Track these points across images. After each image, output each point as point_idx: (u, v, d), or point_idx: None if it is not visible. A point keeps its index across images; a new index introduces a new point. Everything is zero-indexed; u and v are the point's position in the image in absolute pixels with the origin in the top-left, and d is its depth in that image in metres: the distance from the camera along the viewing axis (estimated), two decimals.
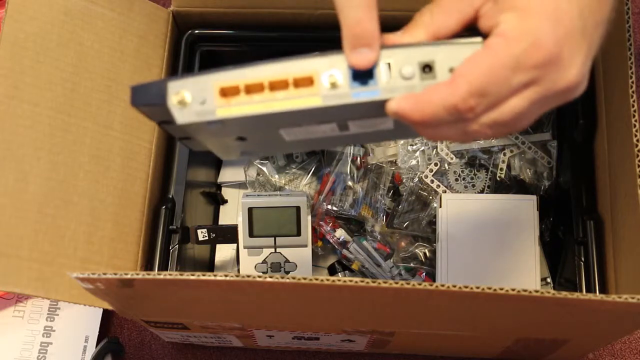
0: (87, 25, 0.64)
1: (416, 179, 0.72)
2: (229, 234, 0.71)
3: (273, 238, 0.70)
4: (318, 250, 0.76)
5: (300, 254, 0.71)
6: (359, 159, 0.74)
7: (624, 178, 0.58)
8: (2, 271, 0.55)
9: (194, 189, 0.75)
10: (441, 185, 0.71)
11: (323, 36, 0.70)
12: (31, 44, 0.60)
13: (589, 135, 0.67)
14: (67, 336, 0.76)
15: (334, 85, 0.39)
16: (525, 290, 0.46)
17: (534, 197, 0.68)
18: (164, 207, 0.68)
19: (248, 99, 0.39)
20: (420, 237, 0.74)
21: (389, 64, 0.39)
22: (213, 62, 0.75)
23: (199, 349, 0.77)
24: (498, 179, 0.71)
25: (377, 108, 0.39)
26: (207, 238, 0.71)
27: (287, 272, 0.71)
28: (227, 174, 0.82)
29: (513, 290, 0.46)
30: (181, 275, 0.48)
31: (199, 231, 0.70)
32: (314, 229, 0.74)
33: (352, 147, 0.75)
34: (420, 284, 0.47)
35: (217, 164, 0.83)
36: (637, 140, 0.54)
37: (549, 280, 0.71)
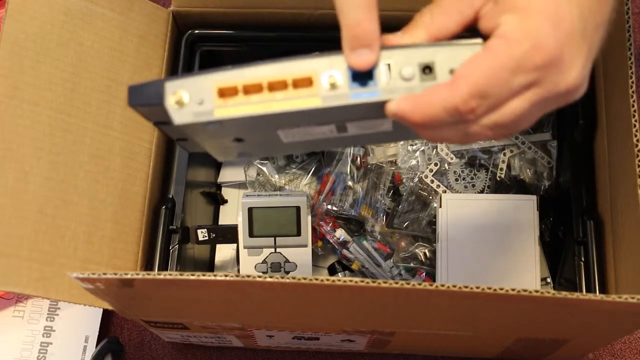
0: (87, 25, 0.64)
1: (416, 179, 0.72)
2: (229, 234, 0.71)
3: (273, 238, 0.70)
4: (318, 250, 0.76)
5: (300, 254, 0.71)
6: (359, 159, 0.74)
7: (624, 178, 0.58)
8: (2, 271, 0.55)
9: (194, 189, 0.75)
10: (441, 185, 0.71)
11: (323, 36, 0.70)
12: (31, 44, 0.60)
13: (589, 135, 0.67)
14: (67, 336, 0.76)
15: (333, 86, 0.39)
16: (525, 290, 0.46)
17: (534, 197, 0.68)
18: (164, 207, 0.68)
19: (246, 100, 0.39)
20: (420, 237, 0.74)
21: (388, 65, 0.39)
22: (213, 62, 0.75)
23: (199, 349, 0.77)
24: (498, 179, 0.71)
25: (377, 109, 0.39)
26: (207, 238, 0.71)
27: (287, 272, 0.71)
28: (227, 174, 0.82)
29: (513, 290, 0.46)
30: (181, 275, 0.48)
31: (199, 231, 0.70)
32: (314, 229, 0.74)
33: (352, 147, 0.75)
34: (420, 284, 0.47)
35: (217, 164, 0.83)
36: (637, 140, 0.54)
37: (549, 280, 0.71)
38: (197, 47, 0.74)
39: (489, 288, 0.46)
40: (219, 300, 0.55)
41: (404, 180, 0.73)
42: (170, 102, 0.39)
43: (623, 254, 0.60)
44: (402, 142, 0.73)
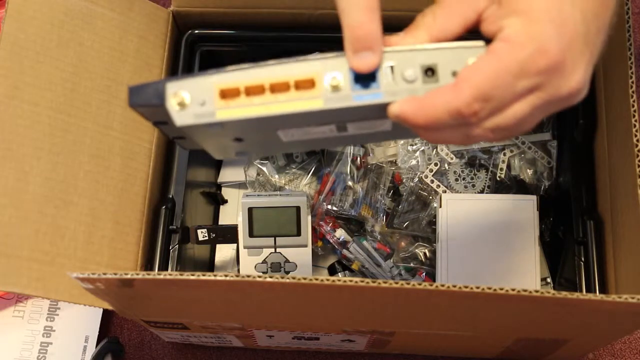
0: (87, 25, 0.64)
1: (416, 179, 0.72)
2: (229, 234, 0.71)
3: (273, 238, 0.70)
4: (318, 250, 0.76)
5: (300, 254, 0.71)
6: (359, 159, 0.74)
7: (624, 178, 0.58)
8: (2, 271, 0.55)
9: (194, 189, 0.75)
10: (441, 185, 0.71)
11: (323, 36, 0.70)
12: (31, 44, 0.60)
13: (589, 135, 0.67)
14: (67, 336, 0.76)
15: (335, 88, 0.38)
16: (525, 290, 0.46)
17: (534, 197, 0.68)
18: (164, 207, 0.68)
19: (248, 101, 0.39)
20: (420, 237, 0.74)
21: (391, 66, 0.39)
22: (213, 62, 0.75)
23: (199, 349, 0.77)
24: (498, 179, 0.71)
25: (378, 110, 0.39)
26: (207, 238, 0.71)
27: (287, 272, 0.71)
28: (227, 174, 0.82)
29: (513, 290, 0.46)
30: (181, 275, 0.48)
31: (199, 231, 0.70)
32: (314, 229, 0.74)
33: (352, 147, 0.75)
34: (420, 284, 0.47)
35: (217, 164, 0.83)
36: (637, 140, 0.54)
37: (549, 280, 0.71)
38: (197, 47, 0.74)
39: (489, 288, 0.46)
40: (219, 300, 0.55)
41: (404, 180, 0.73)
42: (171, 103, 0.39)
43: (623, 254, 0.60)
44: (402, 142, 0.73)
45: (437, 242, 0.69)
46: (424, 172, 0.71)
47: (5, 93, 0.58)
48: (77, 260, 0.60)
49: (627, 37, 0.57)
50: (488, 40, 0.39)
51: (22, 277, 0.56)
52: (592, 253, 0.63)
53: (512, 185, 0.72)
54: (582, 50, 0.38)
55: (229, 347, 0.76)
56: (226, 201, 0.82)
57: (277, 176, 0.77)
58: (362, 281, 0.46)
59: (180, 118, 0.39)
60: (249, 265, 0.71)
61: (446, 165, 0.72)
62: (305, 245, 0.71)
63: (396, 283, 0.47)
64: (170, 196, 0.69)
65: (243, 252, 0.71)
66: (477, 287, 0.46)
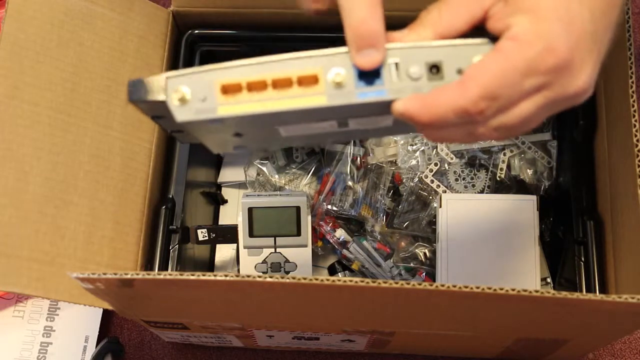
0: (87, 25, 0.64)
1: (416, 179, 0.72)
2: (229, 234, 0.71)
3: (273, 238, 0.70)
4: (318, 250, 0.76)
5: (300, 254, 0.71)
6: (359, 159, 0.74)
7: (624, 178, 0.58)
8: (2, 271, 0.55)
9: (194, 189, 0.75)
10: (441, 185, 0.71)
11: (323, 36, 0.70)
12: (31, 44, 0.60)
13: (589, 135, 0.67)
14: (67, 336, 0.76)
15: (339, 85, 0.38)
16: (525, 290, 0.46)
17: (534, 197, 0.68)
18: (164, 207, 0.68)
19: (250, 97, 0.38)
20: (420, 237, 0.74)
21: (396, 63, 0.38)
22: (213, 62, 0.75)
23: (199, 349, 0.77)
24: (498, 179, 0.71)
25: (382, 107, 0.39)
26: (207, 238, 0.71)
27: (287, 272, 0.71)
28: (227, 174, 0.82)
29: (513, 290, 0.46)
30: (181, 275, 0.48)
31: (199, 231, 0.70)
32: (314, 229, 0.74)
33: (352, 147, 0.75)
34: (420, 284, 0.47)
35: (217, 164, 0.83)
36: (637, 140, 0.54)
37: (549, 280, 0.71)
38: (197, 47, 0.74)
39: (489, 288, 0.46)
40: (219, 300, 0.55)
41: (404, 180, 0.73)
42: (172, 98, 0.38)
43: (623, 254, 0.60)
44: (402, 142, 0.73)
45: (437, 242, 0.69)
46: (424, 172, 0.71)
47: (5, 93, 0.58)
48: (77, 260, 0.60)
49: (627, 37, 0.57)
50: (494, 38, 0.38)
51: (22, 277, 0.56)
52: (592, 253, 0.63)
53: (512, 185, 0.72)
54: (590, 48, 0.38)
55: (229, 347, 0.76)
56: (226, 201, 0.82)
57: (277, 176, 0.77)
58: (362, 281, 0.46)
59: (181, 114, 0.39)
60: (249, 265, 0.71)
61: (446, 165, 0.72)
62: (305, 245, 0.71)
63: (396, 283, 0.47)
64: (170, 196, 0.69)
65: (243, 252, 0.71)
66: (477, 287, 0.46)
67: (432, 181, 0.71)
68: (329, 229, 0.74)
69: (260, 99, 0.38)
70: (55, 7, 0.62)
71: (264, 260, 0.71)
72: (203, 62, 0.74)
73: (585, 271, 0.63)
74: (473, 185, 0.71)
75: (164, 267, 0.67)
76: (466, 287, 0.46)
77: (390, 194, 0.75)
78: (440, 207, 0.69)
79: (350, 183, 0.74)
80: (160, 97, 0.38)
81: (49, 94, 0.61)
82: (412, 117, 0.38)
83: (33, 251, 0.57)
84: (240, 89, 0.38)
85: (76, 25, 0.63)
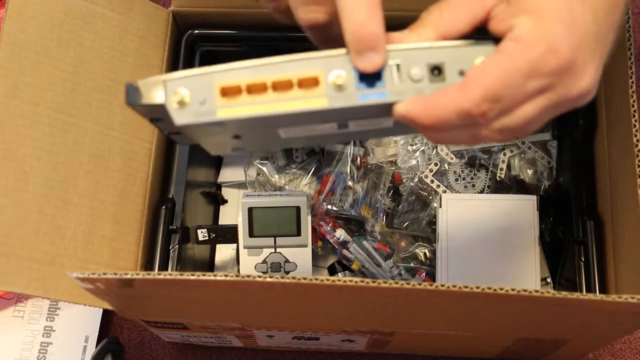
0: (87, 25, 0.64)
1: (416, 179, 0.72)
2: (229, 234, 0.71)
3: (273, 238, 0.70)
4: (318, 250, 0.76)
5: (300, 254, 0.71)
6: (359, 159, 0.74)
7: (624, 178, 0.58)
8: (2, 271, 0.55)
9: (194, 189, 0.75)
10: (441, 185, 0.71)
11: None
12: (31, 44, 0.60)
13: (589, 135, 0.67)
14: (67, 336, 0.76)
15: (339, 87, 0.38)
16: (525, 290, 0.46)
17: (534, 197, 0.68)
18: (164, 207, 0.68)
19: (250, 100, 0.38)
20: (420, 237, 0.74)
21: (397, 65, 0.38)
22: (213, 62, 0.75)
23: (199, 349, 0.77)
24: (498, 179, 0.71)
25: (383, 109, 0.39)
26: (207, 238, 0.71)
27: (287, 272, 0.71)
28: (227, 174, 0.82)
29: (513, 290, 0.46)
30: (181, 275, 0.48)
31: (199, 231, 0.70)
32: (314, 229, 0.74)
33: (352, 147, 0.75)
34: (420, 284, 0.47)
35: (217, 164, 0.83)
36: (637, 140, 0.54)
37: (549, 280, 0.71)
38: (197, 47, 0.74)
39: (489, 288, 0.46)
40: (219, 300, 0.55)
41: (404, 180, 0.73)
42: (170, 101, 0.38)
43: (623, 254, 0.60)
44: (402, 142, 0.73)
45: (437, 242, 0.69)
46: (424, 172, 0.71)
47: (5, 93, 0.58)
48: (77, 260, 0.60)
49: (627, 37, 0.57)
50: (496, 39, 0.38)
51: (22, 277, 0.56)
52: (592, 253, 0.63)
53: (512, 185, 0.72)
54: (593, 49, 0.37)
55: (229, 347, 0.76)
56: (226, 201, 0.82)
57: (277, 176, 0.77)
58: (362, 281, 0.46)
59: (180, 117, 0.38)
60: (249, 265, 0.71)
61: (446, 165, 0.72)
62: (305, 245, 0.71)
63: (396, 283, 0.47)
64: (170, 196, 0.69)
65: (243, 252, 0.71)
66: (477, 287, 0.46)
67: (432, 181, 0.71)
68: (329, 229, 0.74)
69: (260, 101, 0.38)
70: (55, 7, 0.62)
71: (264, 260, 0.71)
72: (203, 62, 0.74)
73: (585, 271, 0.63)
74: (473, 185, 0.71)
75: (164, 267, 0.67)
76: (466, 287, 0.46)
77: (390, 194, 0.75)
78: (440, 207, 0.69)
79: (350, 183, 0.74)
80: (159, 100, 0.38)
81: (49, 94, 0.61)
82: (413, 119, 0.37)
83: (33, 251, 0.57)
84: (240, 91, 0.38)
85: (76, 25, 0.63)
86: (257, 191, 0.77)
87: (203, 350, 0.77)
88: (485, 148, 0.72)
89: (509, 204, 0.68)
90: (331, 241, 0.74)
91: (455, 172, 0.72)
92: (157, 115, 0.39)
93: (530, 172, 0.71)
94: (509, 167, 0.72)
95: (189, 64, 0.73)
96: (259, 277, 0.47)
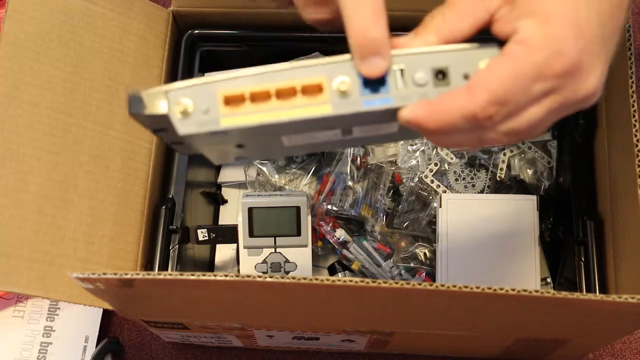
0: (87, 25, 0.64)
1: (416, 179, 0.72)
2: (229, 234, 0.71)
3: (273, 238, 0.70)
4: (318, 250, 0.76)
5: (300, 254, 0.71)
6: (359, 159, 0.74)
7: (624, 178, 0.58)
8: (2, 271, 0.55)
9: (194, 189, 0.75)
10: (441, 185, 0.71)
11: (323, 36, 0.70)
12: (31, 44, 0.60)
13: (589, 135, 0.67)
14: (67, 336, 0.76)
15: (344, 93, 0.37)
16: (525, 290, 0.46)
17: (534, 197, 0.68)
18: (164, 207, 0.68)
19: (254, 108, 0.37)
20: (420, 237, 0.74)
21: (401, 70, 0.38)
22: (213, 62, 0.75)
23: (199, 349, 0.77)
24: (498, 179, 0.71)
25: (388, 115, 0.38)
26: (207, 238, 0.71)
27: (287, 272, 0.71)
28: (227, 174, 0.82)
29: (513, 290, 0.46)
30: (181, 275, 0.48)
31: (199, 231, 0.70)
32: (314, 229, 0.74)
33: (352, 147, 0.75)
34: (420, 284, 0.47)
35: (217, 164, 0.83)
36: (637, 140, 0.54)
37: (549, 280, 0.71)
38: (197, 47, 0.74)
39: (489, 288, 0.46)
40: (219, 300, 0.55)
41: (404, 180, 0.73)
42: (174, 111, 0.37)
43: (623, 254, 0.60)
44: (402, 142, 0.73)
45: (437, 242, 0.69)
46: (424, 172, 0.71)
47: (5, 93, 0.58)
48: (77, 260, 0.60)
49: (627, 37, 0.57)
50: (500, 42, 0.38)
51: (22, 277, 0.56)
52: (592, 253, 0.63)
53: (512, 185, 0.72)
54: (599, 52, 0.37)
55: (229, 347, 0.76)
56: (226, 201, 0.82)
57: (277, 176, 0.77)
58: (362, 281, 0.46)
59: (183, 127, 0.38)
60: (249, 265, 0.71)
61: (446, 165, 0.72)
62: (305, 245, 0.71)
63: (396, 283, 0.47)
64: (170, 196, 0.69)
65: (243, 252, 0.71)
66: (477, 287, 0.46)
67: (432, 181, 0.71)
68: (329, 229, 0.74)
69: (264, 109, 0.37)
70: (55, 7, 0.62)
71: (264, 260, 0.71)
72: (203, 62, 0.74)
73: (585, 271, 0.63)
74: (473, 185, 0.71)
75: (164, 267, 0.67)
76: (466, 287, 0.46)
77: (390, 194, 0.75)
78: (440, 207, 0.69)
79: (350, 183, 0.74)
80: (162, 110, 0.38)
81: (49, 94, 0.61)
82: (419, 124, 0.37)
83: (33, 251, 0.57)
84: (244, 99, 0.37)
85: (76, 25, 0.63)
86: (257, 191, 0.77)
87: (203, 350, 0.77)
88: (485, 148, 0.72)
89: (509, 204, 0.68)
90: (331, 241, 0.74)
91: (455, 172, 0.72)
92: (160, 125, 0.39)
93: (530, 172, 0.72)
94: (509, 167, 0.72)
95: (189, 64, 0.73)
96: (259, 277, 0.47)
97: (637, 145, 0.54)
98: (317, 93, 0.37)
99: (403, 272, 0.73)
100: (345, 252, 0.73)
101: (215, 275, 0.47)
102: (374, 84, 0.38)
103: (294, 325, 0.63)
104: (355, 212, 0.74)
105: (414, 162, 0.72)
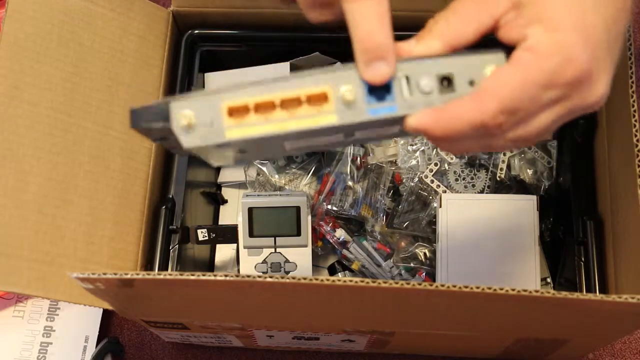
0: (87, 25, 0.64)
1: (416, 179, 0.72)
2: (229, 234, 0.71)
3: (273, 238, 0.70)
4: (318, 250, 0.76)
5: (300, 254, 0.71)
6: (359, 159, 0.74)
7: (624, 178, 0.58)
8: (2, 271, 0.55)
9: (194, 189, 0.75)
10: (441, 185, 0.71)
11: (323, 36, 0.70)
12: (31, 44, 0.60)
13: (589, 135, 0.67)
14: (67, 336, 0.76)
15: (349, 102, 0.37)
16: (525, 290, 0.46)
17: (534, 197, 0.68)
18: (164, 207, 0.68)
19: (258, 119, 0.37)
20: (420, 237, 0.74)
21: (406, 77, 0.37)
22: (213, 62, 0.75)
23: (199, 349, 0.77)
24: (498, 179, 0.71)
25: (393, 121, 0.38)
26: (207, 238, 0.71)
27: (287, 272, 0.71)
28: (227, 174, 0.82)
29: (513, 290, 0.46)
30: (181, 275, 0.48)
31: (199, 231, 0.70)
32: (314, 229, 0.74)
33: (352, 147, 0.75)
34: (420, 284, 0.47)
35: None
36: (637, 140, 0.54)
37: (549, 280, 0.71)
38: (197, 47, 0.74)
39: (489, 288, 0.46)
40: (219, 300, 0.55)
41: (404, 180, 0.73)
42: (177, 124, 0.37)
43: (623, 254, 0.60)
44: (402, 142, 0.73)
45: (437, 242, 0.69)
46: (424, 172, 0.71)
47: (5, 93, 0.58)
48: (77, 260, 0.60)
49: (627, 37, 0.57)
50: (505, 48, 0.38)
51: (22, 277, 0.56)
52: (592, 253, 0.63)
53: (512, 185, 0.72)
54: (605, 57, 0.37)
55: (229, 347, 0.76)
56: (226, 201, 0.82)
57: (277, 176, 0.77)
58: (362, 281, 0.46)
59: (188, 140, 0.37)
60: (249, 265, 0.71)
61: (446, 165, 0.72)
62: (305, 245, 0.71)
63: (396, 283, 0.47)
64: (170, 196, 0.69)
65: (243, 252, 0.71)
66: (477, 287, 0.46)
67: (432, 181, 0.71)
68: (329, 229, 0.74)
69: (268, 120, 0.37)
70: (55, 7, 0.62)
71: (264, 260, 0.71)
72: (203, 62, 0.74)
73: (585, 271, 0.63)
74: (473, 185, 0.71)
75: (164, 267, 0.67)
76: (466, 287, 0.46)
77: (390, 194, 0.75)
78: (440, 207, 0.69)
79: (350, 183, 0.74)
80: (165, 123, 0.37)
81: (49, 94, 0.61)
82: (426, 132, 0.37)
83: (33, 251, 0.57)
84: (248, 110, 0.37)
85: (76, 25, 0.63)
86: (257, 191, 0.77)
87: (203, 350, 0.77)
88: None
89: (509, 204, 0.68)
90: (331, 241, 0.74)
91: (455, 172, 0.72)
92: (162, 135, 0.38)
93: (530, 172, 0.72)
94: (509, 167, 0.72)
95: (189, 64, 0.73)
96: (259, 277, 0.47)
97: (637, 145, 0.54)
98: (322, 102, 0.37)
99: (403, 272, 0.73)
100: (345, 252, 0.73)
101: (215, 275, 0.47)
102: (379, 91, 0.37)
103: (294, 325, 0.63)
104: (355, 212, 0.74)
105: (414, 162, 0.72)
